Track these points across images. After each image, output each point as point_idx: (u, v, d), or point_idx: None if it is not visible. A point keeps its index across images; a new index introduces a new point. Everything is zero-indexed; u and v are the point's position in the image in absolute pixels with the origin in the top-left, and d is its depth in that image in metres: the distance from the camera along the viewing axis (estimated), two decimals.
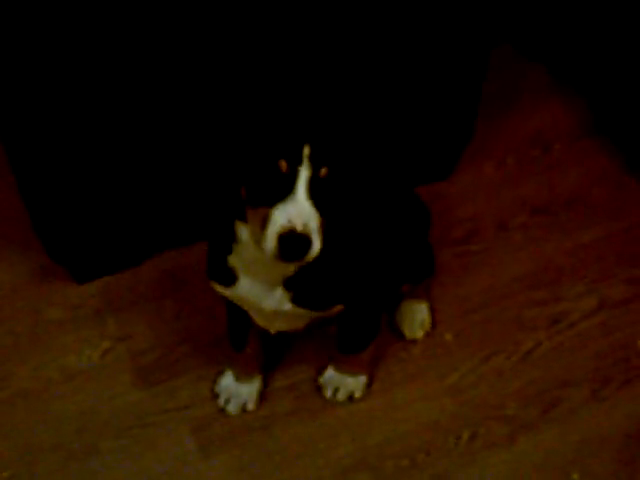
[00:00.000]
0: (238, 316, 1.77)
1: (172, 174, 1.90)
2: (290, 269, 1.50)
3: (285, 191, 1.33)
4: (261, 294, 1.57)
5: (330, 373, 1.92)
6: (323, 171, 1.34)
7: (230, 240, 1.52)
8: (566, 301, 2.10)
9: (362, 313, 1.76)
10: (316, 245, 1.33)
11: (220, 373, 1.93)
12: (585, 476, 1.84)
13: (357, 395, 1.92)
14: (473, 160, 2.35)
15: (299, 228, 1.31)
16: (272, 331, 1.73)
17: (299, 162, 1.33)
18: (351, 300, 1.64)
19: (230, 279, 1.58)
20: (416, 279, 2.00)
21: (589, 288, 2.13)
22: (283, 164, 1.33)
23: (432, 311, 2.05)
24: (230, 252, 1.54)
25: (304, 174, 1.33)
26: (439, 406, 1.93)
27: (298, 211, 1.32)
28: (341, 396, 1.92)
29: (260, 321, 1.70)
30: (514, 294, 2.11)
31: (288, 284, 1.54)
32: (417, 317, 2.03)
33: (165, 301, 2.07)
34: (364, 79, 1.89)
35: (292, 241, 1.32)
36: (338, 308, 1.63)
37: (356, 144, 1.40)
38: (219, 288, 1.63)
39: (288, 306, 1.57)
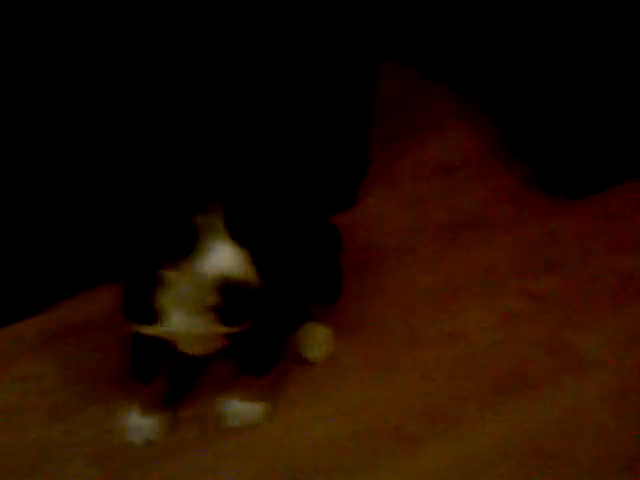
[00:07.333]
0: (147, 351, 1.83)
1: (78, 222, 1.98)
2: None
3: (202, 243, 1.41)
4: (192, 323, 1.64)
5: (232, 401, 1.97)
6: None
7: (155, 285, 1.58)
8: (463, 317, 2.17)
9: (268, 332, 1.82)
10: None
11: (126, 407, 1.97)
12: None
13: (259, 420, 1.98)
14: (376, 186, 2.41)
15: (235, 274, 1.37)
16: (191, 353, 1.81)
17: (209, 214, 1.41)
18: (261, 315, 1.71)
19: (156, 318, 1.64)
20: (322, 301, 2.06)
21: (486, 304, 2.19)
22: (199, 219, 1.40)
23: (333, 334, 2.11)
24: (155, 295, 1.60)
25: (219, 223, 1.41)
26: (338, 426, 1.98)
27: (225, 256, 1.39)
28: (243, 423, 1.97)
29: (182, 346, 1.78)
30: (413, 314, 2.17)
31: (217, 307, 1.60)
32: (318, 340, 2.09)
33: (73, 343, 2.10)
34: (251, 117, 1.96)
35: (233, 289, 1.37)
36: (249, 324, 1.70)
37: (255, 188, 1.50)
38: (142, 328, 1.70)
39: (217, 327, 1.64)
